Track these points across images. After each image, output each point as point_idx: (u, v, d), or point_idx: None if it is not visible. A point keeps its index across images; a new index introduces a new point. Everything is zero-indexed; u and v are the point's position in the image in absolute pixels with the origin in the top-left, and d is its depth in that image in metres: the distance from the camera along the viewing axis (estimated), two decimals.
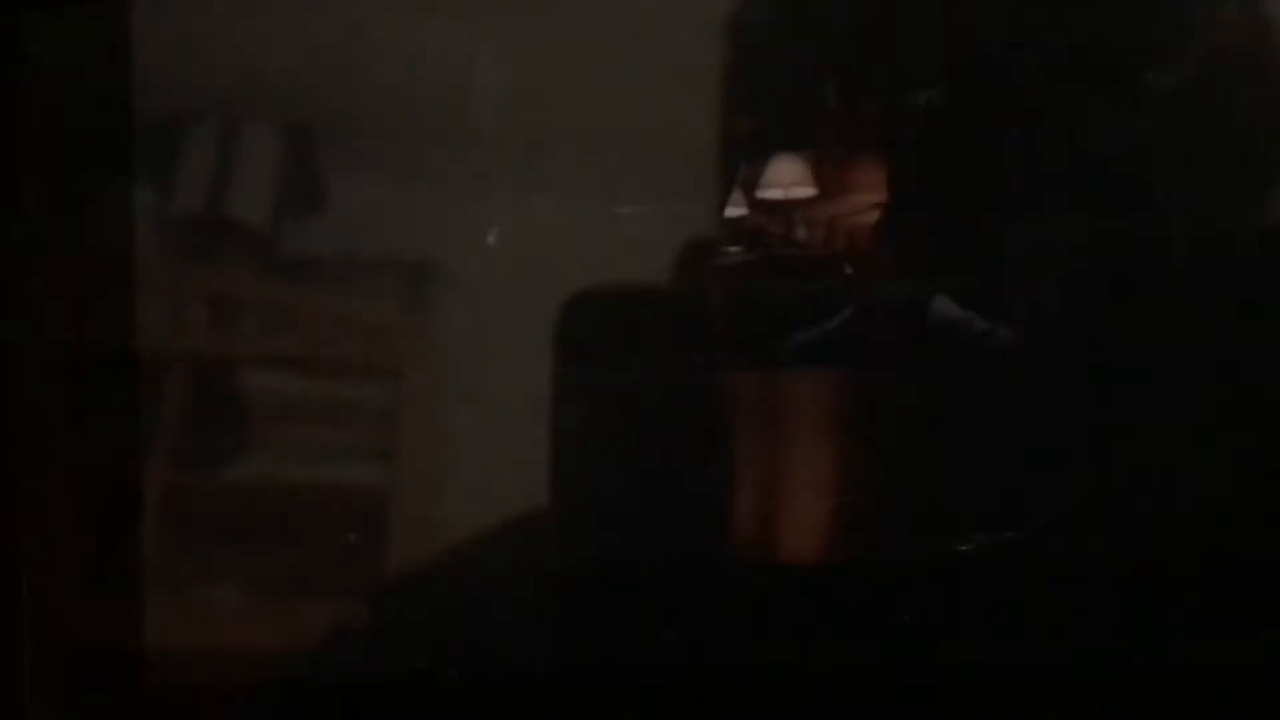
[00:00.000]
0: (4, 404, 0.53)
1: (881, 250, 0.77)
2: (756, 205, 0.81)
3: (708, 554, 0.67)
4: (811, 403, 0.79)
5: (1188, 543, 0.63)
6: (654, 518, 0.67)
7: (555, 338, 0.69)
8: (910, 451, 0.73)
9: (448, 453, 0.68)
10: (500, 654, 0.60)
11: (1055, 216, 0.74)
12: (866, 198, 0.77)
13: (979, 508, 0.67)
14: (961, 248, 0.76)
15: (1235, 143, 0.67)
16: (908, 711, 0.62)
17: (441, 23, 0.71)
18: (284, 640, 0.60)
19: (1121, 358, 0.70)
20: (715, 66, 0.73)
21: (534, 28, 0.71)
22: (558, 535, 0.65)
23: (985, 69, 0.72)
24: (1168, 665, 0.60)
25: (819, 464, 0.75)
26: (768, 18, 0.74)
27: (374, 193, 0.69)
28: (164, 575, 0.59)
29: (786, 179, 0.80)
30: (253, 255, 0.66)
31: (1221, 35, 0.67)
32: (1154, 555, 0.63)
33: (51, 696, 0.54)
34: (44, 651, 0.54)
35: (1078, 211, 0.72)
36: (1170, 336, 0.68)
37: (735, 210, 0.81)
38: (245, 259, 0.66)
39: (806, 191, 0.80)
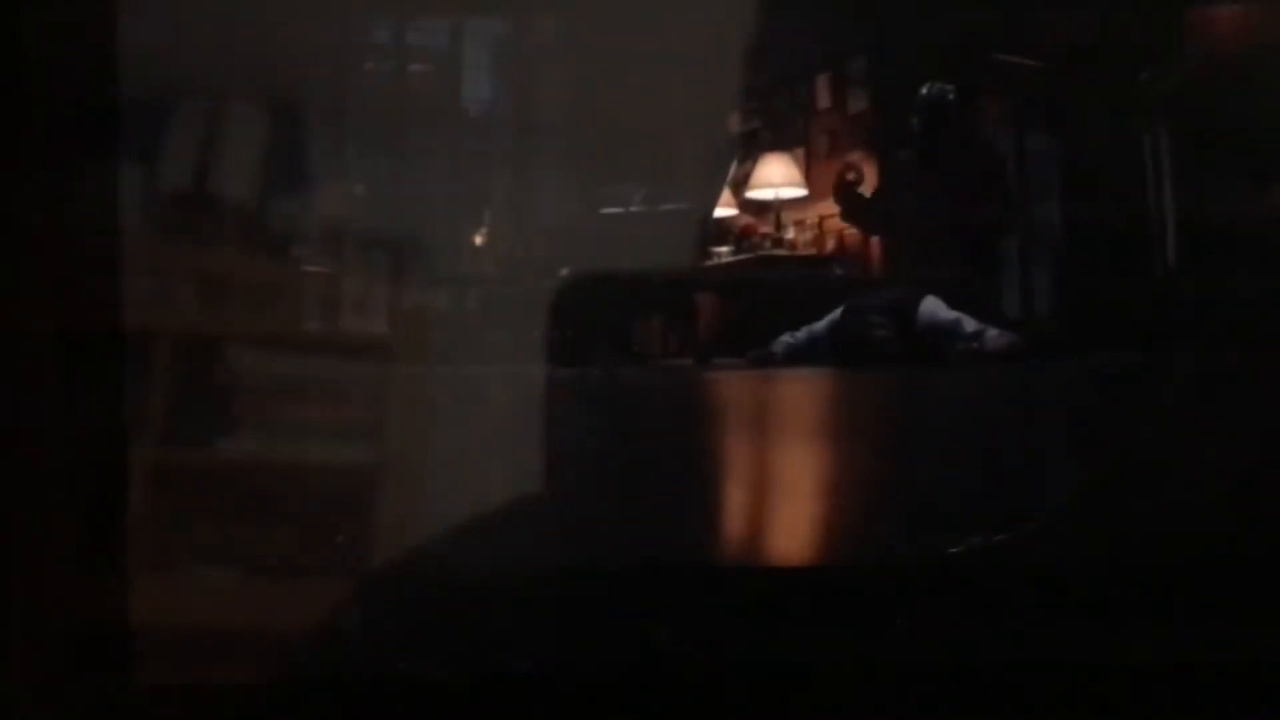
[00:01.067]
0: None
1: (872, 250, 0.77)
2: (746, 205, 0.81)
3: (702, 552, 0.66)
4: (799, 401, 0.79)
5: (1186, 542, 0.63)
6: (644, 513, 0.66)
7: (548, 322, 0.68)
8: (901, 451, 0.72)
9: (436, 431, 0.67)
10: (493, 653, 0.59)
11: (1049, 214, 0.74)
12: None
13: (972, 508, 0.66)
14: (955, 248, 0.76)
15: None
16: (907, 711, 0.61)
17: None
18: (272, 618, 0.59)
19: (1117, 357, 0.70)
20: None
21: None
22: (549, 525, 0.64)
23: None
24: (1168, 665, 0.60)
25: (807, 461, 0.74)
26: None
27: (363, 171, 0.68)
28: (152, 554, 0.58)
29: (777, 179, 0.80)
30: (240, 233, 0.65)
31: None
32: (1152, 554, 0.63)
33: (40, 688, 0.52)
34: (34, 640, 0.52)
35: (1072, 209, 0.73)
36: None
37: (725, 210, 0.80)
38: (232, 237, 0.65)
39: (797, 191, 0.80)
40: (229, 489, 0.63)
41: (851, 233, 0.78)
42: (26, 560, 0.51)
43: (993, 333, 0.74)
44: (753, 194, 0.80)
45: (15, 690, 0.50)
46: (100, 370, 0.54)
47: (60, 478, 0.53)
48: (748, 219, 0.80)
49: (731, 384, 0.78)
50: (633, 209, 0.76)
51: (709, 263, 0.79)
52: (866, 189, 0.77)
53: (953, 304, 0.76)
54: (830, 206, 0.78)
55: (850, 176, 0.77)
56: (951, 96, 0.74)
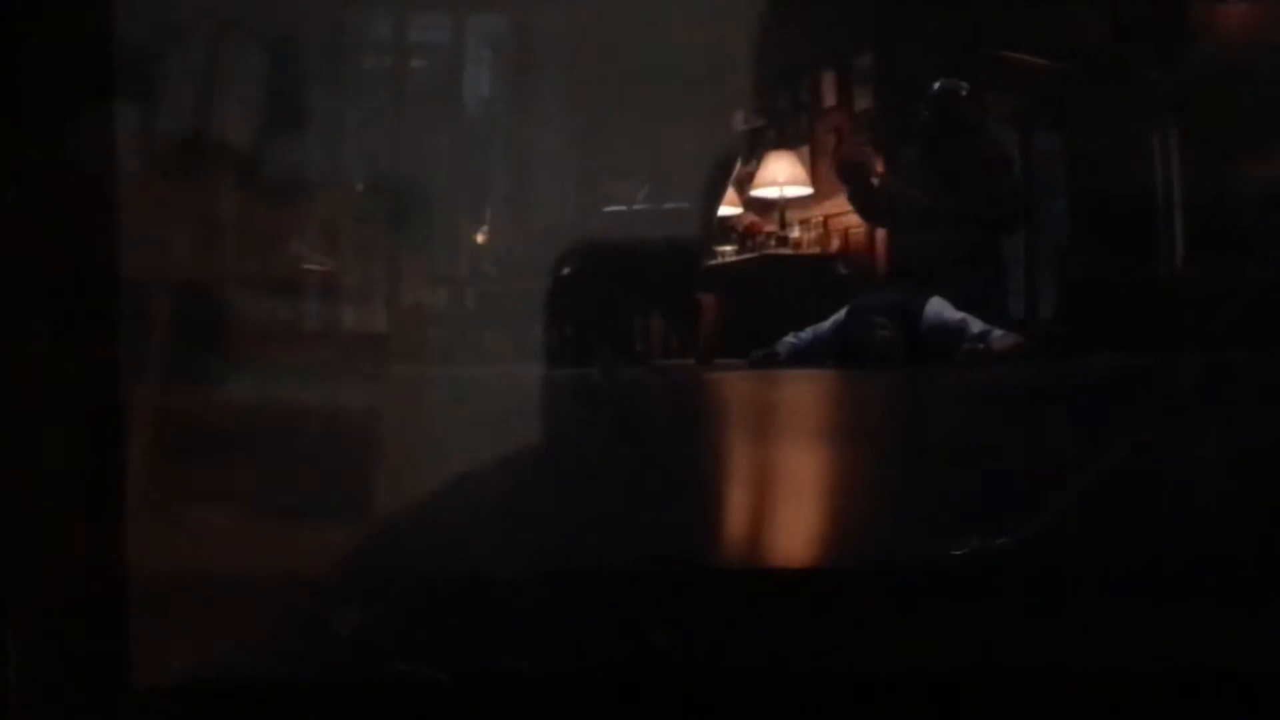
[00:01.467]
0: None
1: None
2: (751, 203, 0.81)
3: (702, 553, 0.66)
4: (803, 402, 0.79)
5: (1188, 543, 0.62)
6: (644, 514, 0.66)
7: (546, 321, 0.68)
8: (905, 453, 0.72)
9: (436, 375, 0.66)
10: (493, 653, 0.58)
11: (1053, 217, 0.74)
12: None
13: (976, 510, 0.66)
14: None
15: None
16: (907, 712, 0.61)
17: None
18: (272, 561, 0.59)
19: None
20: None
21: None
22: (549, 525, 0.64)
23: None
24: (1169, 665, 0.59)
25: (810, 463, 0.74)
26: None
27: (362, 113, 0.67)
28: (151, 498, 0.57)
29: (782, 177, 0.80)
30: (239, 175, 0.64)
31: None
32: (1152, 555, 0.62)
33: (39, 660, 0.52)
34: (31, 588, 0.51)
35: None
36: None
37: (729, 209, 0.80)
38: (231, 180, 0.64)
39: (802, 190, 0.80)
40: (229, 433, 0.62)
41: (857, 232, 0.78)
42: (21, 508, 0.51)
43: (998, 333, 0.74)
44: (757, 192, 0.79)
45: (14, 677, 0.50)
46: (95, 314, 0.54)
47: (53, 424, 0.52)
48: (752, 217, 0.80)
49: (734, 385, 0.78)
50: (635, 207, 0.75)
51: (712, 262, 0.79)
52: (871, 170, 0.77)
53: (959, 304, 0.75)
54: (835, 205, 0.78)
55: (855, 157, 0.76)
56: (964, 92, 0.74)
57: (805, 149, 0.79)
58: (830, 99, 0.78)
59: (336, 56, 0.68)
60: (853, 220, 0.77)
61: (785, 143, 0.79)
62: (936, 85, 0.74)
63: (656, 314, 0.77)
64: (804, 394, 0.78)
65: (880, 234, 0.77)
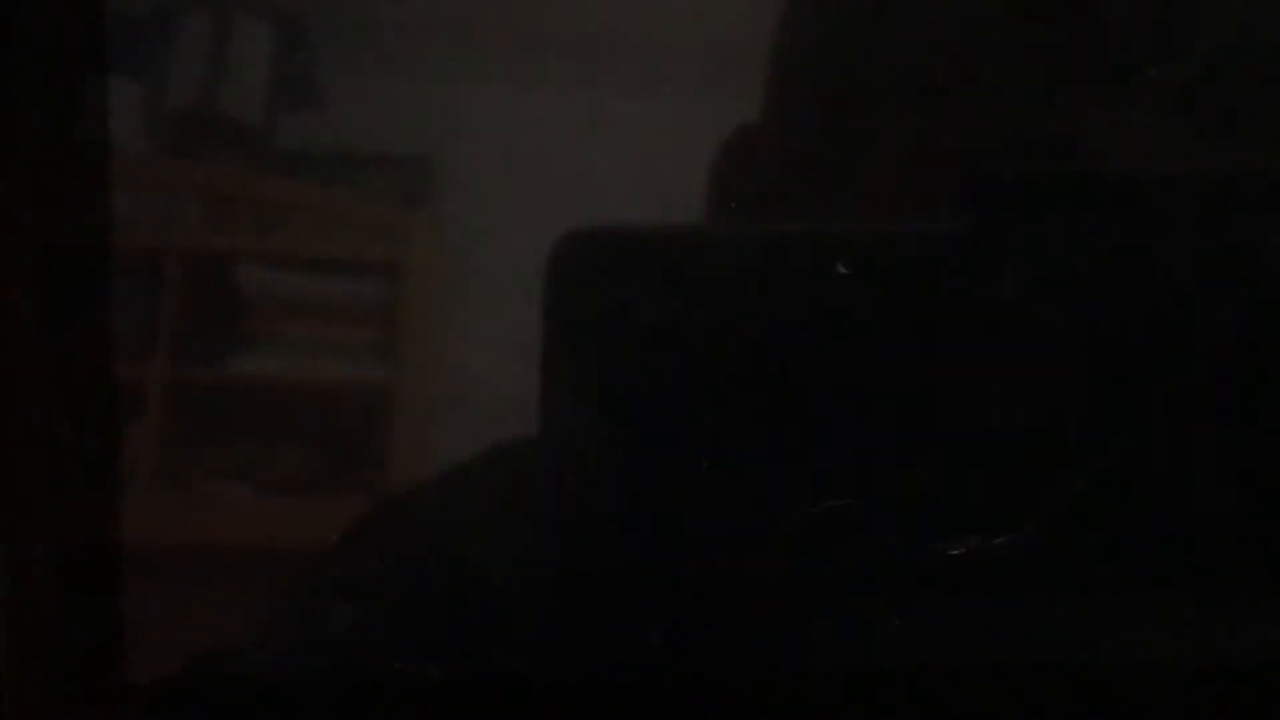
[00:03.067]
0: None
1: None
2: None
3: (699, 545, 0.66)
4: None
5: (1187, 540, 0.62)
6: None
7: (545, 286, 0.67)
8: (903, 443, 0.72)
9: (448, 350, 0.66)
10: (489, 652, 0.58)
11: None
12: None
13: (972, 506, 0.66)
14: None
15: None
16: (906, 712, 0.61)
17: None
18: (285, 536, 0.59)
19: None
20: None
21: None
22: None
23: None
24: (1169, 665, 0.60)
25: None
26: None
27: (372, 85, 0.67)
28: (164, 472, 0.57)
29: None
30: (246, 150, 0.64)
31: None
32: (1153, 552, 0.62)
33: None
34: (30, 562, 0.51)
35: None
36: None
37: None
38: (238, 154, 0.64)
39: None
40: (243, 407, 0.62)
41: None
42: (14, 481, 0.51)
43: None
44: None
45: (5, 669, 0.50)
46: (99, 291, 0.53)
47: (52, 401, 0.52)
48: None
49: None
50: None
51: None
52: None
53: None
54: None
55: None
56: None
57: None
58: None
59: (349, 28, 0.67)
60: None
61: None
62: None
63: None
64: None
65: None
